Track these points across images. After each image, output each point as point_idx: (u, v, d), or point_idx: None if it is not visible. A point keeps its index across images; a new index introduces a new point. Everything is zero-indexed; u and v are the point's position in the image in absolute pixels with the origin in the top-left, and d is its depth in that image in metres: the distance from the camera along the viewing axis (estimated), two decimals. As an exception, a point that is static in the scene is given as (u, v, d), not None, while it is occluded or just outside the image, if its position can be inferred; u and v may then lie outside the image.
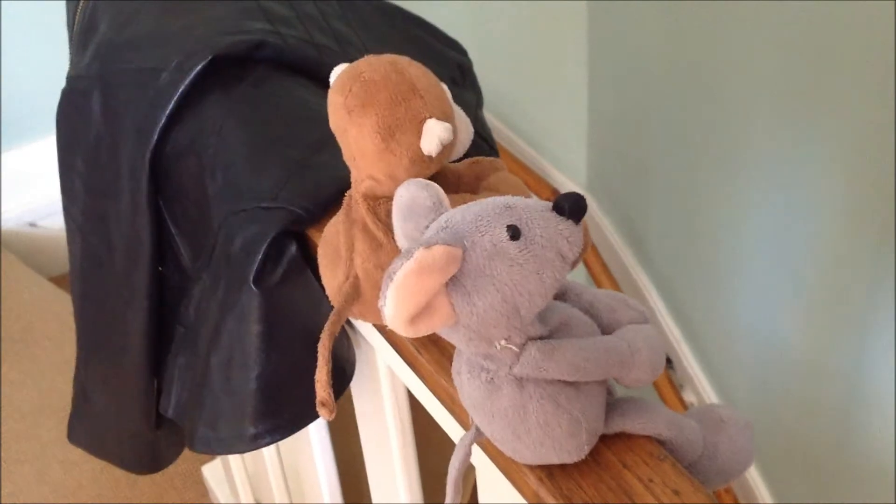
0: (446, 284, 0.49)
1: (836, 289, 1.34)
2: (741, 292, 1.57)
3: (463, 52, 0.95)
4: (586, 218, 0.52)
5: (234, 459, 1.33)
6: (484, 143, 0.90)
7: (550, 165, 1.97)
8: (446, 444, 0.72)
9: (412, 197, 0.53)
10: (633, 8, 1.62)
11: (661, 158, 1.70)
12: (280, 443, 1.10)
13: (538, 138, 1.99)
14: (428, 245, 0.49)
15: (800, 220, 1.36)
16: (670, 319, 1.79)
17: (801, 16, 1.23)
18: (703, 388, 1.73)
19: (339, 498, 1.03)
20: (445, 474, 0.60)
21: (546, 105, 1.96)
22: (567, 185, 1.94)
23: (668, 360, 1.82)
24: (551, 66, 1.91)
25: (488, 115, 0.97)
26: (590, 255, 1.88)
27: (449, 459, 0.59)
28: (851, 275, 1.30)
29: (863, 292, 1.28)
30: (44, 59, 1.84)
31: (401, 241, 0.54)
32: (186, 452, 1.02)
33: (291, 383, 0.73)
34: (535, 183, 1.87)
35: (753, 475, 1.61)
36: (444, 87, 0.60)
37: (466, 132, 0.62)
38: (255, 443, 0.73)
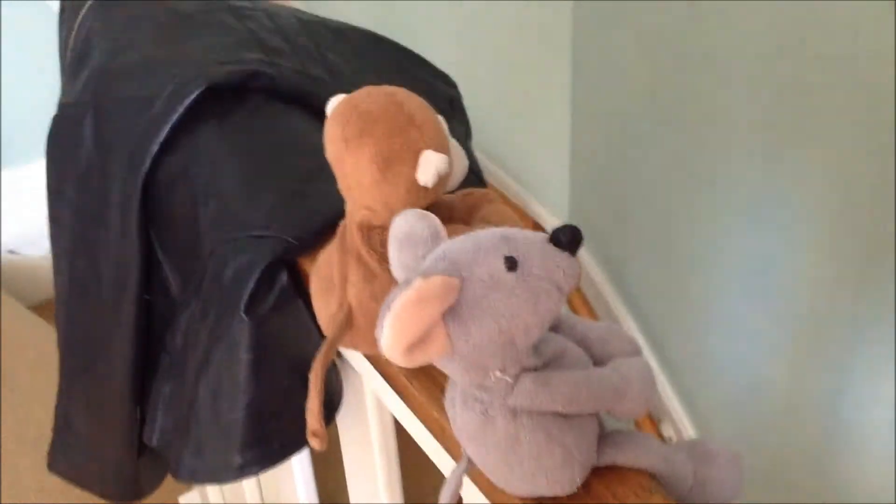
0: (443, 315, 0.50)
1: (814, 323, 1.36)
2: (719, 326, 1.58)
3: (453, 85, 0.96)
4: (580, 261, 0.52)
5: (212, 490, 1.32)
6: (473, 176, 0.90)
7: (533, 200, 1.98)
8: (431, 475, 0.72)
9: (409, 227, 0.53)
10: (614, 48, 1.64)
11: (641, 195, 1.72)
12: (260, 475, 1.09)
13: (521, 173, 2.00)
14: (426, 275, 0.49)
15: (777, 255, 1.38)
16: (649, 352, 1.80)
17: (775, 52, 1.25)
18: (681, 422, 1.73)
19: (321, 530, 1.02)
20: (430, 500, 0.60)
21: (529, 141, 1.98)
22: (549, 219, 1.95)
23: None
24: (535, 103, 1.93)
25: (474, 150, 0.98)
26: (576, 298, 1.89)
27: (435, 489, 0.59)
28: (829, 309, 1.32)
29: (841, 326, 1.30)
30: (28, 87, 1.84)
31: (397, 271, 0.54)
32: (164, 483, 1.01)
33: (280, 413, 0.72)
34: (518, 217, 1.88)
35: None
36: (441, 118, 0.61)
37: (461, 164, 0.62)
38: (242, 472, 0.72)
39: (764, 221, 1.38)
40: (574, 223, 0.52)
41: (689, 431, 1.71)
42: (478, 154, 0.94)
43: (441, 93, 0.94)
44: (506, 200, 2.03)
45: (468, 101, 0.99)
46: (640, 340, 1.80)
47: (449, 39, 1.95)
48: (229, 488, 1.27)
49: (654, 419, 1.81)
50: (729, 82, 1.38)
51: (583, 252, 1.92)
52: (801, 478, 1.46)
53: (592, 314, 1.86)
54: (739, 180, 1.42)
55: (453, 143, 0.62)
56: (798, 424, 1.44)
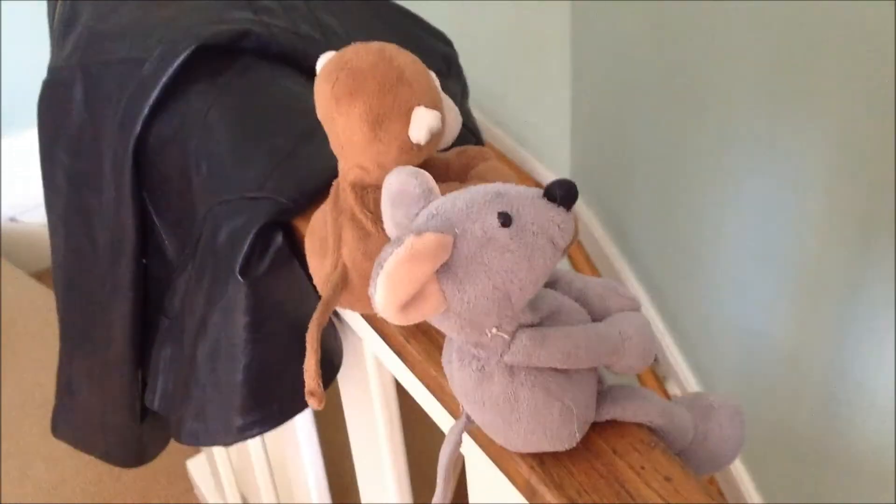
0: (437, 272, 0.49)
1: (819, 282, 1.35)
2: (724, 285, 1.57)
3: (448, 44, 0.95)
4: (577, 216, 0.51)
5: (219, 454, 1.32)
6: (470, 135, 0.89)
7: (534, 159, 1.97)
8: (433, 433, 0.72)
9: (402, 185, 0.52)
10: (616, 3, 1.62)
11: (644, 152, 1.70)
12: (266, 436, 1.09)
13: (522, 133, 1.99)
14: (418, 232, 0.48)
15: (783, 213, 1.37)
16: (654, 312, 1.79)
17: (783, 10, 1.23)
18: (686, 380, 1.74)
19: (325, 490, 1.02)
20: (433, 462, 0.59)
21: (530, 100, 1.96)
22: (550, 177, 1.94)
23: (652, 352, 1.82)
24: (535, 61, 1.91)
25: (472, 110, 0.97)
26: (573, 248, 1.89)
27: (436, 447, 0.59)
28: (834, 268, 1.31)
29: (845, 285, 1.29)
30: (19, 56, 1.82)
31: (390, 229, 0.54)
32: (171, 447, 1.02)
33: (279, 374, 0.72)
34: (519, 177, 1.87)
35: (736, 465, 1.61)
36: (433, 75, 0.60)
37: (455, 121, 0.61)
38: (243, 434, 0.72)
39: (767, 178, 1.37)
40: (576, 181, 0.51)
41: (694, 389, 1.71)
42: (476, 114, 0.93)
43: (437, 51, 0.92)
44: (504, 160, 2.02)
45: (465, 60, 0.98)
46: (643, 298, 1.80)
47: (446, -3, 1.93)
48: (235, 451, 1.27)
49: (658, 377, 1.81)
50: (732, 33, 1.36)
51: (584, 210, 1.92)
52: (805, 432, 1.46)
53: (595, 272, 1.85)
54: (743, 135, 1.41)
55: (446, 100, 0.61)
56: (801, 379, 1.44)
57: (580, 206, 1.92)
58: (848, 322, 1.30)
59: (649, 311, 1.80)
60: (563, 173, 1.90)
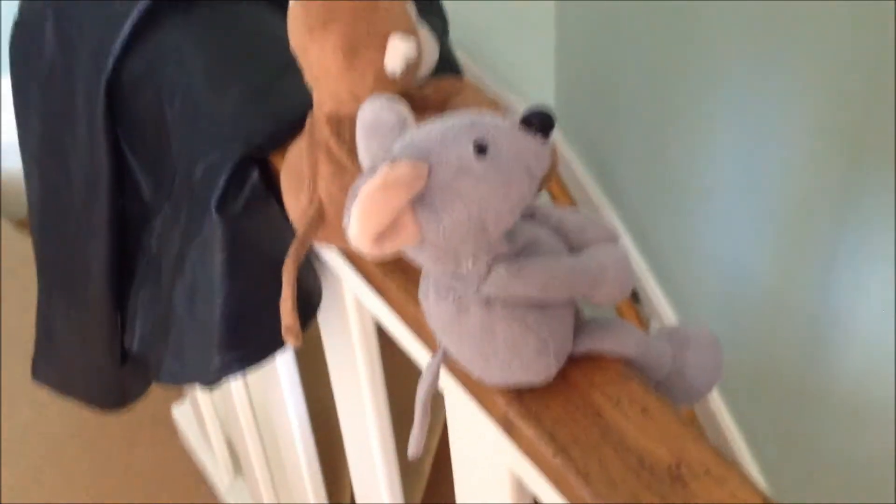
0: (412, 202, 0.48)
1: (803, 221, 1.35)
2: (708, 224, 1.57)
3: (428, -23, 0.93)
4: (556, 146, 0.51)
5: (202, 399, 1.33)
6: (451, 71, 0.88)
7: (519, 99, 1.95)
8: (416, 378, 0.72)
9: (376, 114, 0.51)
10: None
11: (628, 89, 1.69)
12: (249, 380, 1.09)
13: (505, 72, 1.97)
14: (393, 161, 0.47)
15: (767, 150, 1.36)
16: (637, 253, 1.79)
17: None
18: (669, 321, 1.74)
19: (308, 433, 1.03)
20: (412, 400, 0.59)
21: (513, 38, 1.93)
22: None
23: (635, 294, 1.82)
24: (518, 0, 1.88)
25: (455, 50, 0.95)
26: (556, 187, 1.88)
27: (416, 386, 0.59)
28: (819, 206, 1.31)
29: (829, 225, 1.29)
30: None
31: (364, 160, 0.53)
32: (155, 394, 1.02)
33: (257, 312, 0.72)
34: (495, 104, 1.86)
35: (717, 401, 1.63)
36: (409, 3, 0.59)
37: (432, 50, 0.60)
38: (222, 372, 0.72)
39: (752, 119, 1.37)
40: (561, 121, 0.50)
41: (677, 328, 1.71)
42: (459, 54, 0.91)
43: (415, -16, 0.91)
44: (488, 101, 2.00)
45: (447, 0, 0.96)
46: (626, 236, 1.80)
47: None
48: (219, 396, 1.27)
49: (642, 319, 1.82)
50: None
51: (567, 148, 1.90)
52: (786, 368, 1.47)
53: (575, 207, 1.85)
54: (730, 71, 1.39)
55: (422, 29, 0.60)
56: (784, 315, 1.44)
57: (563, 144, 1.91)
58: (830, 258, 1.30)
59: (633, 251, 1.80)
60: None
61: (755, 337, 1.52)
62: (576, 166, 1.90)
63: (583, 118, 1.86)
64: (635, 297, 1.82)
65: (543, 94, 1.90)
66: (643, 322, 1.79)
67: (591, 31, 1.74)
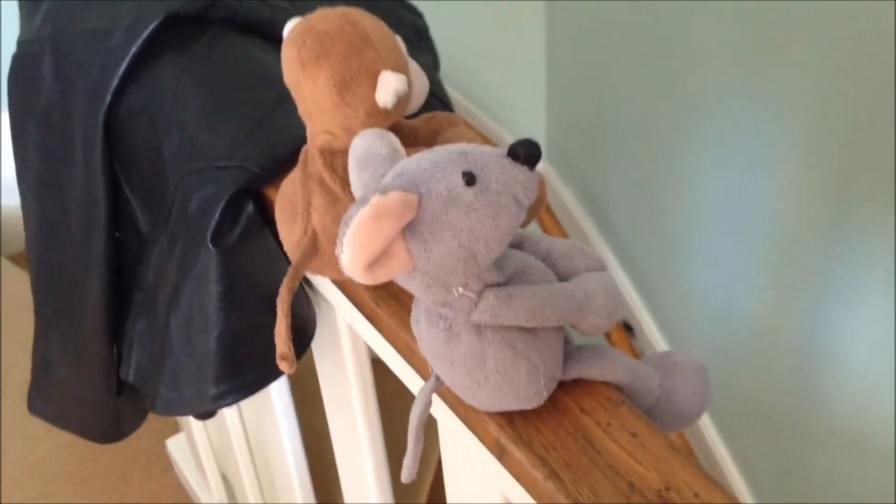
0: (403, 231, 0.50)
1: (791, 256, 1.36)
2: (700, 260, 1.59)
3: (419, 15, 0.95)
4: (543, 177, 0.52)
5: (198, 432, 1.33)
6: (441, 106, 0.90)
7: (509, 135, 1.97)
8: (408, 404, 0.73)
9: (368, 146, 0.53)
10: (590, -25, 1.62)
11: (619, 126, 1.71)
12: (244, 411, 1.10)
13: (496, 108, 1.99)
14: (384, 191, 0.49)
15: (756, 188, 1.38)
16: (631, 288, 1.81)
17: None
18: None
19: (303, 462, 1.03)
20: (405, 428, 0.60)
21: (504, 74, 1.96)
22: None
23: (630, 328, 1.83)
24: (509, 34, 1.91)
25: (446, 87, 0.97)
26: (548, 221, 1.89)
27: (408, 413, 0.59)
28: (807, 240, 1.32)
29: (818, 257, 1.31)
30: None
31: (357, 190, 0.54)
32: (150, 427, 1.02)
33: (252, 342, 0.73)
34: (483, 141, 1.87)
35: (713, 436, 1.63)
36: (399, 38, 0.60)
37: (421, 84, 0.62)
38: (218, 402, 0.73)
39: (741, 154, 1.38)
40: (552, 157, 0.52)
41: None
42: (449, 90, 0.93)
43: (406, 21, 0.93)
44: (479, 136, 2.02)
45: (439, 37, 0.98)
46: (619, 271, 1.81)
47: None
48: (214, 428, 1.28)
49: (636, 352, 1.82)
50: (707, 14, 1.37)
51: (560, 186, 1.92)
52: (779, 401, 1.48)
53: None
54: (717, 113, 1.41)
55: (413, 64, 0.62)
56: (775, 349, 1.45)
57: (555, 179, 1.92)
58: (821, 293, 1.31)
59: (627, 287, 1.81)
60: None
61: (749, 369, 1.53)
62: (568, 201, 1.92)
63: (573, 153, 1.88)
64: (630, 330, 1.83)
65: (534, 130, 1.92)
66: (637, 355, 1.80)
67: (581, 67, 1.76)
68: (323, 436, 1.00)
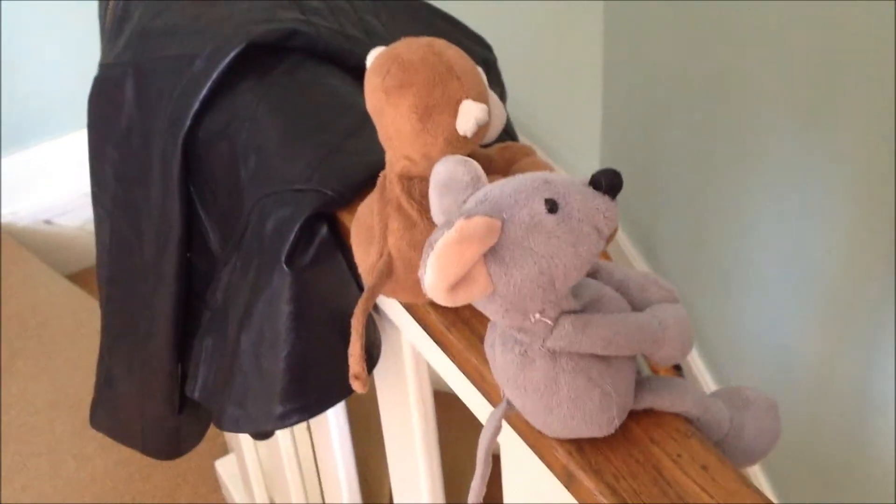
0: (485, 255, 0.51)
1: (846, 300, 1.35)
2: (751, 302, 1.58)
3: (488, 48, 0.97)
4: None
5: (248, 454, 1.34)
6: (508, 138, 0.91)
7: (563, 169, 1.98)
8: (466, 429, 0.73)
9: (450, 172, 0.54)
10: (648, 17, 1.64)
11: (672, 166, 1.71)
12: (297, 435, 1.11)
13: (552, 144, 2.00)
14: (468, 216, 0.50)
15: (810, 229, 1.37)
16: (680, 305, 1.79)
17: (812, 25, 1.24)
18: (712, 395, 1.73)
19: (356, 487, 1.04)
20: (462, 463, 0.60)
21: (560, 111, 1.97)
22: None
23: (678, 368, 1.82)
24: (566, 73, 1.93)
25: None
26: (604, 259, 1.89)
27: (470, 444, 0.60)
28: (858, 284, 1.31)
29: (871, 304, 1.29)
30: (54, 57, 1.86)
31: (437, 216, 0.55)
32: (199, 448, 1.03)
33: (320, 364, 0.74)
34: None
35: (762, 482, 1.61)
36: (480, 70, 0.62)
37: (500, 115, 0.63)
38: (283, 421, 0.74)
39: (795, 196, 1.38)
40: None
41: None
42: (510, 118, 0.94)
43: (476, 54, 0.94)
44: (548, 167, 2.03)
45: (500, 66, 0.99)
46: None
47: (483, 10, 1.95)
48: (265, 450, 1.29)
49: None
50: (762, 57, 1.38)
51: (613, 224, 1.92)
52: (830, 451, 1.46)
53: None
54: (772, 155, 1.41)
55: (491, 95, 0.63)
56: (828, 398, 1.44)
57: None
58: (876, 342, 1.30)
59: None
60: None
61: (800, 415, 1.51)
62: (620, 239, 1.92)
63: (626, 192, 1.87)
64: (679, 369, 1.82)
65: (589, 168, 1.93)
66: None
67: (636, 107, 1.77)
68: (375, 457, 1.00)
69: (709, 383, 1.74)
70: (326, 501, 1.12)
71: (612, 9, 1.72)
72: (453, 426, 0.91)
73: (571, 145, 1.98)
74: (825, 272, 1.38)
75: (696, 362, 1.77)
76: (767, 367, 1.57)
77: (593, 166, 1.92)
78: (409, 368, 0.78)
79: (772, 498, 1.60)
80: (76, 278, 1.91)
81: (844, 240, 1.32)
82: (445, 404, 0.83)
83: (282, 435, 1.11)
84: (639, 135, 1.80)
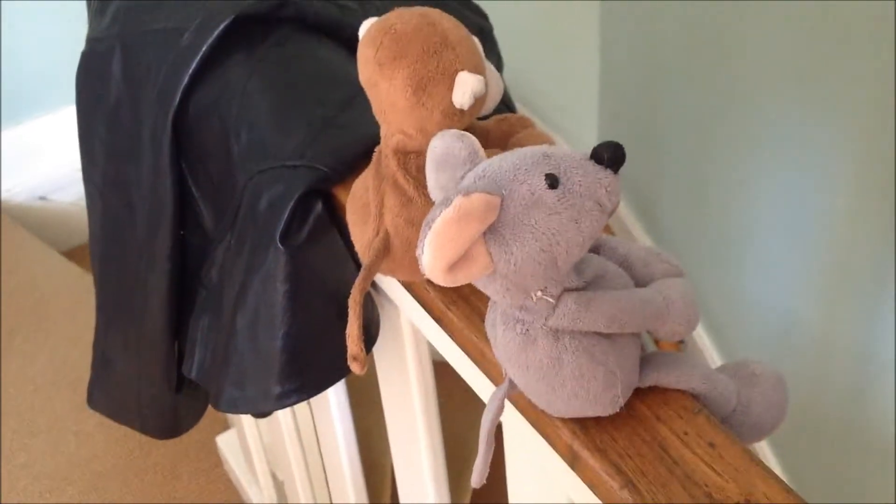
0: (484, 233, 0.49)
1: (847, 264, 1.34)
2: (752, 267, 1.56)
3: (484, 16, 0.94)
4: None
5: (249, 429, 1.33)
6: (505, 108, 0.89)
7: (561, 138, 1.96)
8: (466, 405, 0.72)
9: (447, 148, 0.52)
10: (647, -22, 1.61)
11: (672, 131, 1.69)
12: (297, 410, 1.10)
13: (549, 111, 1.98)
14: (466, 193, 0.48)
15: (812, 194, 1.36)
16: (685, 279, 1.78)
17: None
18: (714, 363, 1.73)
19: (357, 461, 1.03)
20: (464, 434, 0.59)
21: (557, 77, 1.95)
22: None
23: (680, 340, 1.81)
24: (563, 39, 1.90)
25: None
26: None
27: (470, 422, 0.59)
28: (863, 250, 1.30)
29: (873, 269, 1.28)
30: (47, 33, 1.83)
31: (434, 192, 0.54)
32: (200, 423, 1.02)
33: (317, 343, 0.73)
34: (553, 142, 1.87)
35: (763, 447, 1.61)
36: (475, 39, 0.60)
37: (497, 87, 0.61)
38: (281, 401, 0.73)
39: (796, 159, 1.36)
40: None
41: (721, 369, 1.70)
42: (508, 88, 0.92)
43: (472, 23, 0.92)
44: (548, 138, 2.02)
45: (496, 34, 0.97)
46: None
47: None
48: (265, 426, 1.28)
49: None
50: (762, 17, 1.35)
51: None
52: (832, 415, 1.45)
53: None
54: (771, 116, 1.39)
55: (488, 66, 0.61)
56: (830, 362, 1.43)
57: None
58: (877, 305, 1.29)
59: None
60: (591, 154, 1.89)
61: (802, 379, 1.50)
62: (621, 208, 1.90)
63: (627, 161, 1.86)
64: (680, 341, 1.81)
65: (586, 132, 1.91)
66: (687, 361, 1.78)
67: (634, 70, 1.75)
68: (375, 432, 0.99)
69: (710, 349, 1.74)
70: (328, 475, 1.11)
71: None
72: (455, 395, 0.90)
73: (569, 112, 1.96)
74: (826, 234, 1.37)
75: (697, 330, 1.77)
76: (768, 329, 1.56)
77: (591, 133, 1.91)
78: (408, 346, 0.77)
79: (775, 467, 1.60)
80: (72, 254, 1.89)
81: (845, 203, 1.31)
82: (448, 373, 0.82)
83: (282, 411, 1.10)
84: (637, 101, 1.78)
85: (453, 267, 0.49)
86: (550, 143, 0.64)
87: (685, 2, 1.52)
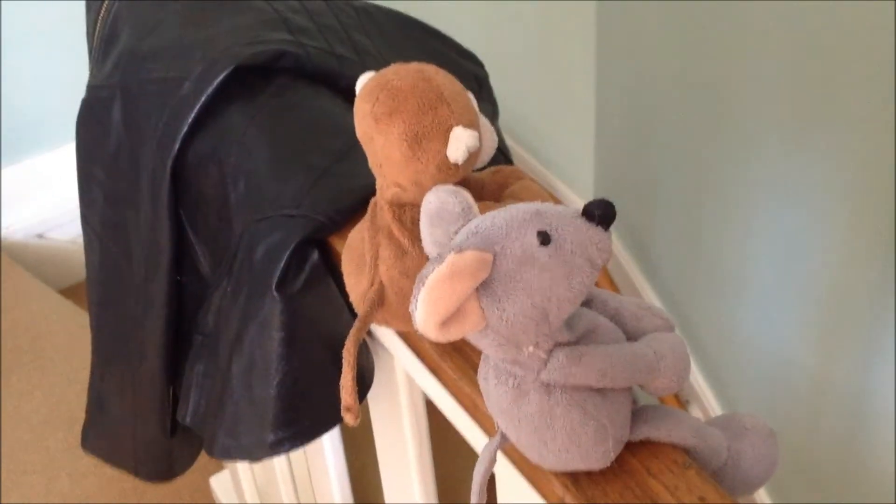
0: (477, 289, 0.50)
1: (841, 304, 1.35)
2: (747, 306, 1.57)
3: (479, 64, 0.96)
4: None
5: (243, 471, 1.33)
6: (501, 155, 0.90)
7: (558, 180, 1.98)
8: (461, 452, 0.72)
9: (441, 203, 0.53)
10: (641, 24, 1.63)
11: (667, 173, 1.71)
12: (291, 453, 1.10)
13: (546, 153, 2.00)
14: (459, 250, 0.49)
15: (805, 235, 1.37)
16: (676, 333, 1.79)
17: (807, 25, 1.24)
18: (709, 404, 1.73)
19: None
20: (456, 485, 0.60)
21: (553, 120, 1.97)
22: (574, 199, 1.95)
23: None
24: (559, 82, 1.92)
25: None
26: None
27: (465, 468, 0.59)
28: (856, 289, 1.31)
29: (867, 308, 1.29)
30: (45, 72, 1.85)
31: (429, 246, 0.55)
32: (195, 463, 1.02)
33: (311, 390, 0.73)
34: (546, 195, 1.88)
35: (761, 492, 1.60)
36: (470, 95, 0.61)
37: (490, 140, 0.62)
38: (275, 450, 0.73)
39: (792, 200, 1.37)
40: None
41: (717, 412, 1.70)
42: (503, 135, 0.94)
43: (468, 72, 0.93)
44: (543, 188, 2.03)
45: (493, 82, 0.98)
46: (667, 320, 1.79)
47: (474, 18, 1.95)
48: (259, 467, 1.28)
49: (681, 401, 1.80)
50: (757, 60, 1.37)
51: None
52: (827, 458, 1.45)
53: (616, 290, 1.85)
54: (768, 161, 1.41)
55: (482, 119, 0.62)
56: (825, 405, 1.43)
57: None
58: (871, 344, 1.29)
59: (673, 333, 1.79)
60: (587, 195, 1.91)
61: (796, 421, 1.50)
62: (615, 247, 1.91)
63: (621, 200, 1.87)
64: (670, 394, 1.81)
65: (582, 174, 1.93)
66: (683, 405, 1.78)
67: (629, 113, 1.77)
68: (370, 477, 0.99)
69: (705, 391, 1.74)
70: (321, 520, 1.11)
71: (604, 11, 1.72)
72: (450, 435, 0.90)
73: (565, 153, 1.97)
74: (823, 277, 1.37)
75: (692, 369, 1.77)
76: (763, 371, 1.56)
77: (587, 173, 1.92)
78: (403, 394, 0.77)
79: (767, 501, 1.59)
80: (69, 293, 1.90)
81: (842, 244, 1.31)
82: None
83: (276, 454, 1.10)
84: (633, 140, 1.79)
85: (446, 323, 0.49)
86: (543, 196, 0.65)
87: (680, 42, 1.54)
